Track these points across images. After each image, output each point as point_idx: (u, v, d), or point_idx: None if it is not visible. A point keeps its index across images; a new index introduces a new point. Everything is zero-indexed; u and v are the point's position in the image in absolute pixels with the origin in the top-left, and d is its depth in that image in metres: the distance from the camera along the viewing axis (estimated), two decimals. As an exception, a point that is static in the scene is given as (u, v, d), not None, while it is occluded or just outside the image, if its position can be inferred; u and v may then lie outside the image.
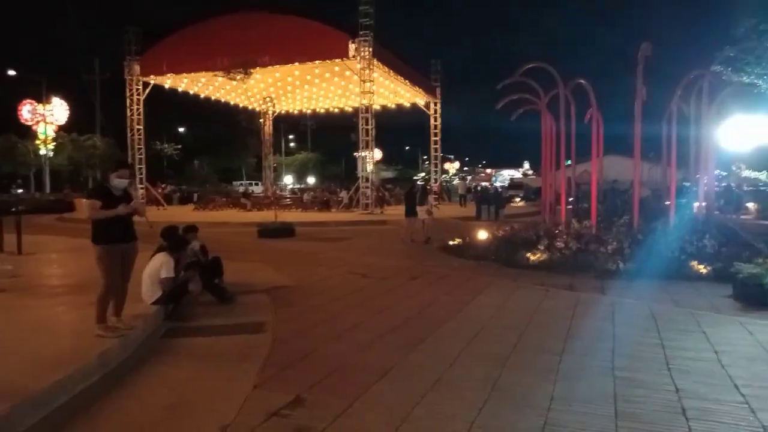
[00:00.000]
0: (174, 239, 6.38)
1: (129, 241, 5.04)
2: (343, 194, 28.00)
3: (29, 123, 41.20)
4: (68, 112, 41.21)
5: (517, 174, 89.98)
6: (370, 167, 25.71)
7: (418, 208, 14.18)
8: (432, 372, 4.36)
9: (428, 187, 18.61)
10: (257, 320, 6.08)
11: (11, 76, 39.92)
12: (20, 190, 44.99)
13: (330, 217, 22.75)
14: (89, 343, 4.67)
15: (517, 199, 41.37)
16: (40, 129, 40.89)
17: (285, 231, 15.68)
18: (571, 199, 15.38)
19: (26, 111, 41.12)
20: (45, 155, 40.96)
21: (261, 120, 16.45)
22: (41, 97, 40.29)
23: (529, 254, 10.27)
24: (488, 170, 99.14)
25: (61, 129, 42.16)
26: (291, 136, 73.75)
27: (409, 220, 14.28)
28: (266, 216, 17.85)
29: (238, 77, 18.55)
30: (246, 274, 8.97)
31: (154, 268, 6.03)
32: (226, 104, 35.04)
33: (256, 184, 51.86)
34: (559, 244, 10.56)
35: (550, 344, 5.15)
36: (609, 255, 9.85)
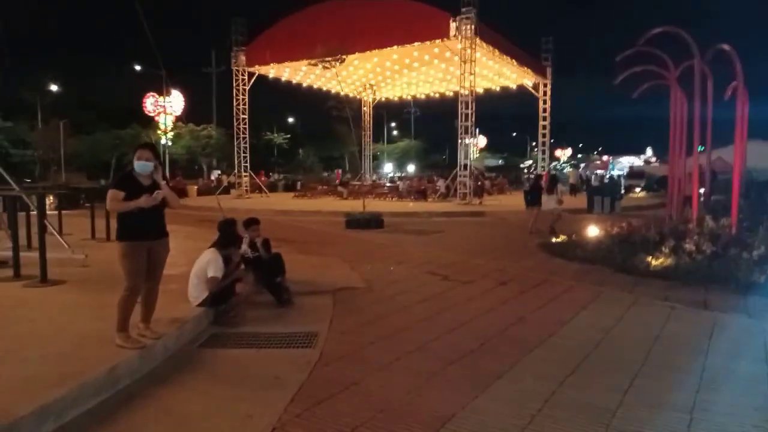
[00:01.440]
0: (224, 234, 5.73)
1: (158, 238, 4.38)
2: (440, 183, 26.82)
3: (152, 114, 44.57)
4: (184, 103, 43.90)
5: (637, 161, 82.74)
6: (472, 155, 24.27)
7: (546, 198, 13.43)
8: (503, 428, 3.23)
9: (557, 176, 17.45)
10: (310, 330, 5.25)
11: (136, 71, 43.11)
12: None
13: (425, 207, 21.73)
14: (108, 353, 4.09)
15: (637, 190, 37.55)
16: (160, 120, 44.10)
17: (373, 222, 14.93)
18: (702, 191, 13.07)
19: (149, 103, 44.46)
20: (165, 144, 44.07)
21: (351, 107, 15.73)
22: (162, 90, 43.30)
23: (650, 258, 8.55)
24: (605, 157, 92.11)
25: (179, 119, 45.11)
26: (393, 124, 73.58)
27: (531, 209, 13.75)
28: (360, 205, 17.26)
29: (334, 65, 18.07)
30: (317, 271, 8.26)
31: (201, 266, 5.41)
32: (328, 93, 35.18)
33: (349, 172, 52.15)
34: (689, 247, 8.70)
35: (678, 394, 3.77)
36: (755, 263, 7.89)
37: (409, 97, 39.75)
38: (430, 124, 71.28)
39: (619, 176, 42.26)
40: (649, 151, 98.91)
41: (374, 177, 48.13)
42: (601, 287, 7.29)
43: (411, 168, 65.07)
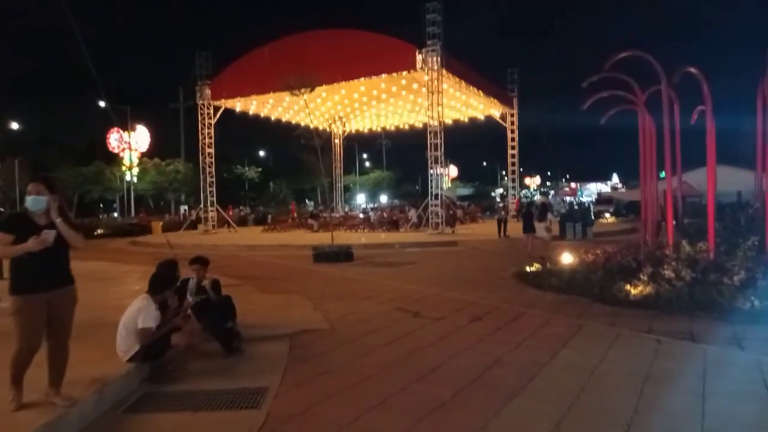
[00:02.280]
0: (158, 276, 5.04)
1: (59, 287, 3.68)
2: (412, 213, 26.44)
3: (116, 150, 43.52)
4: (149, 138, 43.07)
5: (605, 188, 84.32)
6: (444, 184, 24.03)
7: (537, 225, 14.17)
8: None
9: (548, 204, 18.34)
10: (258, 385, 4.59)
11: (100, 107, 42.13)
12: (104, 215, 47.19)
13: (396, 237, 21.22)
14: (9, 423, 3.37)
15: (607, 215, 37.86)
16: (125, 156, 43.03)
17: (342, 255, 14.32)
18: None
19: (113, 139, 43.51)
20: (130, 180, 42.90)
21: (319, 136, 15.32)
22: (127, 126, 42.38)
23: (628, 286, 8.14)
24: (572, 184, 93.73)
25: (143, 155, 44.10)
26: (365, 155, 73.71)
27: (527, 236, 14.54)
28: (330, 238, 16.62)
29: (302, 94, 17.71)
30: (276, 311, 7.59)
31: (131, 315, 4.72)
32: (298, 125, 34.81)
33: (321, 205, 51.68)
34: (668, 273, 8.32)
35: (680, 451, 3.24)
36: (737, 288, 7.55)
37: (379, 129, 39.72)
38: (401, 154, 71.76)
39: (588, 203, 42.70)
40: (615, 178, 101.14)
41: (346, 208, 47.70)
42: (581, 319, 6.80)
43: (384, 198, 64.90)
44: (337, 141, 38.35)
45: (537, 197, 69.24)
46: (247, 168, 65.32)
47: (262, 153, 69.21)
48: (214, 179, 28.74)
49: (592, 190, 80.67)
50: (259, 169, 65.83)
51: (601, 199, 48.16)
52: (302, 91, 16.67)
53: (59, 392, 3.74)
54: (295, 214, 34.90)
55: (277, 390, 4.49)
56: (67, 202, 46.20)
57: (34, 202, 3.56)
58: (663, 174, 12.66)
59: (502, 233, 20.38)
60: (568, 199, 56.22)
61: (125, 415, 4.06)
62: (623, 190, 69.51)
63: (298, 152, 20.99)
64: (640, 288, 8.03)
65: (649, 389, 4.34)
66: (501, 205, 28.42)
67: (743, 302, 6.98)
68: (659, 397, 4.18)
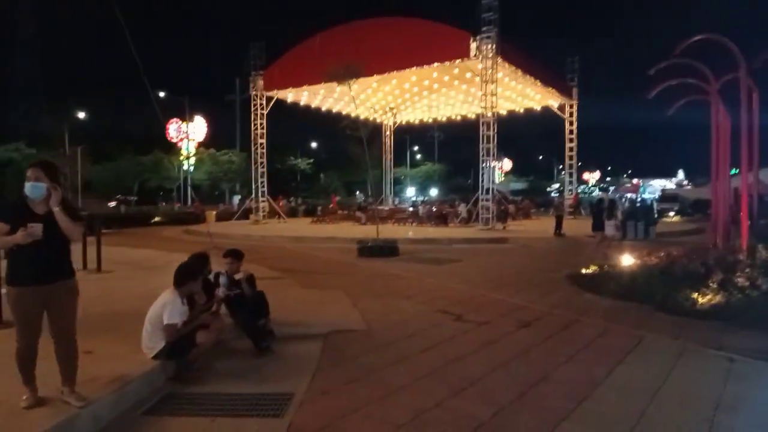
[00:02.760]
0: (182, 269, 4.83)
1: (56, 281, 3.48)
2: (462, 207, 25.79)
3: (174, 140, 44.93)
4: (206, 128, 44.18)
5: (669, 184, 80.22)
6: (497, 178, 23.26)
7: (606, 223, 13.79)
8: None
9: (616, 201, 17.97)
10: (284, 391, 4.32)
11: (160, 98, 43.52)
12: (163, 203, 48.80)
13: (444, 233, 20.71)
14: (18, 424, 3.23)
15: (671, 214, 35.86)
16: (183, 145, 44.36)
17: (386, 249, 13.99)
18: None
19: (173, 129, 44.89)
20: (186, 170, 44.23)
21: (366, 127, 15.00)
22: (185, 116, 43.63)
23: (695, 294, 7.40)
24: (635, 180, 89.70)
25: (201, 145, 45.33)
26: (416, 148, 73.09)
27: (598, 234, 14.16)
28: (378, 231, 16.32)
29: (350, 84, 17.45)
30: (313, 308, 7.35)
31: (156, 310, 4.55)
32: (348, 116, 34.71)
33: (370, 197, 51.62)
34: (741, 281, 7.53)
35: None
36: (825, 301, 6.71)
37: (431, 120, 39.03)
38: (454, 147, 70.32)
39: (651, 200, 40.56)
40: (680, 174, 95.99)
41: (396, 201, 47.40)
42: (641, 330, 6.19)
43: (434, 192, 64.18)
44: (388, 133, 38.04)
45: (595, 193, 66.66)
46: (299, 159, 66.20)
47: (314, 145, 69.79)
48: (265, 170, 29.04)
49: (655, 187, 76.91)
50: (311, 161, 66.49)
51: (665, 197, 45.72)
52: (349, 81, 16.35)
53: (73, 391, 3.59)
54: (336, 206, 34.87)
55: (303, 397, 4.21)
56: (128, 189, 48.30)
57: (33, 188, 3.38)
58: (734, 170, 11.63)
59: (558, 230, 19.53)
60: (629, 195, 53.70)
61: (143, 417, 3.88)
62: (689, 187, 65.85)
63: (346, 144, 20.67)
64: (708, 296, 7.28)
65: (722, 418, 3.77)
66: (560, 200, 27.20)
67: (832, 318, 6.16)
68: (732, 429, 3.62)
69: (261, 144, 28.83)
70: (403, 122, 38.52)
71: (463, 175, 74.27)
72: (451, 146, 71.65)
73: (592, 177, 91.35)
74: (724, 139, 9.68)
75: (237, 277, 5.85)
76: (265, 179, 29.03)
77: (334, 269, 11.77)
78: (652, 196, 55.29)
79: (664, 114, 11.63)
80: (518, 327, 6.42)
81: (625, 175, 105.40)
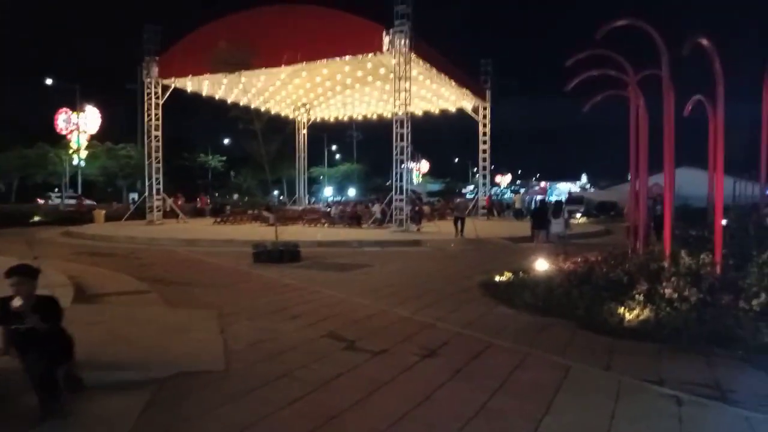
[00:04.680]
0: None
1: None
2: (376, 208, 24.63)
3: (64, 132, 40.46)
4: (100, 120, 40.14)
5: (574, 188, 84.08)
6: (414, 179, 22.29)
7: (554, 221, 14.74)
8: None
9: (562, 201, 18.26)
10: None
11: (47, 85, 39.01)
12: (57, 200, 43.83)
13: (356, 234, 19.39)
14: None
15: (578, 215, 36.84)
16: (73, 138, 40.01)
17: (286, 254, 12.41)
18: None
19: (61, 120, 40.46)
20: (77, 165, 39.94)
21: (260, 119, 13.24)
22: (75, 106, 39.37)
23: (621, 308, 6.52)
24: (543, 183, 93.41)
25: (93, 138, 41.15)
26: (334, 147, 71.70)
27: (538, 231, 15.48)
28: (283, 233, 14.62)
29: (237, 72, 15.61)
30: (164, 337, 5.68)
31: None
32: (237, 106, 32.43)
33: (280, 197, 49.59)
34: (669, 292, 6.76)
35: None
36: (757, 315, 6.02)
37: (347, 118, 37.69)
38: (373, 147, 69.53)
39: (560, 201, 41.74)
40: (584, 178, 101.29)
41: (312, 201, 45.59)
42: (566, 358, 5.12)
43: (352, 192, 62.98)
44: (302, 130, 36.21)
45: (507, 195, 68.41)
46: (210, 156, 62.58)
47: (226, 141, 66.25)
48: (161, 165, 26.32)
49: (562, 190, 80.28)
50: (224, 158, 63.15)
51: (572, 199, 47.24)
52: (237, 70, 14.55)
53: None
54: (204, 206, 33.38)
55: None
56: (7, 185, 42.99)
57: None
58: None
59: (459, 233, 18.78)
60: (538, 197, 55.29)
61: None
62: (592, 190, 69.09)
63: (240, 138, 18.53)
64: (636, 311, 6.42)
65: None
66: (458, 201, 25.58)
67: (772, 336, 5.43)
68: None
69: (156, 137, 26.08)
70: (318, 119, 36.89)
71: (381, 174, 73.69)
72: (370, 146, 70.90)
73: (504, 180, 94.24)
74: (643, 137, 9.06)
75: (16, 305, 4.06)
76: (161, 175, 26.30)
77: (220, 279, 10.04)
78: (559, 198, 57.38)
79: (573, 118, 11.14)
80: (421, 356, 5.15)
81: (534, 178, 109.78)
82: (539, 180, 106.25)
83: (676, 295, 6.65)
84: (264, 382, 4.39)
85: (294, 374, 4.61)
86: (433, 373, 4.66)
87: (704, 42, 6.98)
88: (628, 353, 5.32)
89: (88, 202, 36.42)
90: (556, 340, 5.81)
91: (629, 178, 11.24)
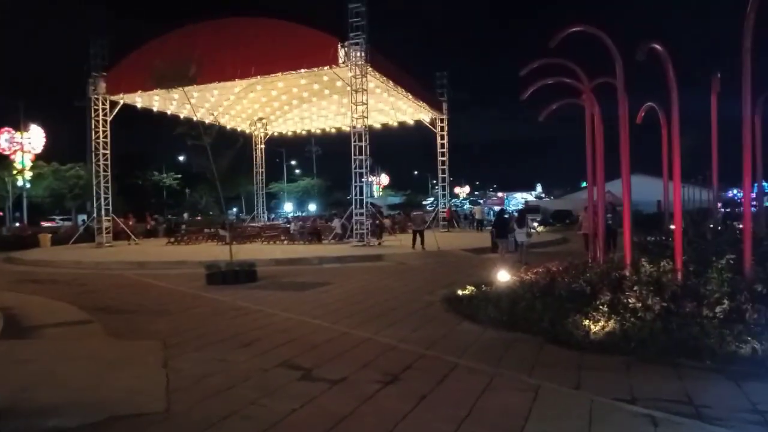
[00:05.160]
0: None
1: None
2: (336, 222, 24.23)
3: (6, 152, 38.46)
4: (44, 139, 38.42)
5: (530, 197, 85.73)
6: (374, 192, 22.01)
7: (518, 231, 14.77)
8: None
9: (525, 211, 19.96)
10: None
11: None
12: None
13: (316, 251, 18.92)
14: None
15: (535, 224, 37.37)
16: (17, 158, 38.09)
17: (242, 275, 11.90)
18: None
19: (3, 140, 38.45)
20: (22, 186, 37.96)
21: (208, 133, 12.63)
22: (20, 125, 37.52)
23: (586, 320, 6.36)
24: (500, 194, 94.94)
25: (38, 157, 39.29)
26: (294, 162, 70.94)
27: (501, 241, 15.87)
28: (239, 252, 14.02)
29: (177, 90, 15.02)
30: (99, 374, 5.15)
31: None
32: (188, 121, 31.62)
33: (239, 214, 48.55)
34: (632, 302, 6.66)
35: None
36: (721, 322, 5.96)
37: (305, 132, 37.23)
38: (333, 161, 69.11)
39: (524, 211, 42.34)
40: (539, 188, 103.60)
41: (272, 217, 44.73)
42: (534, 377, 4.88)
43: (312, 207, 62.30)
44: (260, 145, 35.50)
45: (466, 206, 69.09)
46: (164, 174, 60.79)
47: (181, 158, 64.52)
48: (110, 185, 25.20)
49: (518, 200, 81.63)
50: (179, 176, 61.40)
51: (529, 208, 48.03)
52: (179, 86, 14.00)
53: None
54: (126, 227, 31.20)
55: None
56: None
57: None
58: (584, 183, 11.39)
59: (416, 246, 18.62)
60: (496, 208, 55.99)
61: None
62: (547, 199, 70.57)
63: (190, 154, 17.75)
64: (601, 323, 6.26)
65: None
66: (414, 214, 24.66)
67: (738, 344, 5.33)
68: None
69: (104, 155, 24.99)
70: (276, 134, 36.31)
71: (342, 189, 73.28)
72: (329, 160, 70.50)
73: (463, 191, 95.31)
74: (599, 144, 9.05)
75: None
76: (110, 195, 25.17)
77: (169, 305, 9.44)
78: (516, 208, 58.26)
79: (529, 129, 11.08)
80: (383, 383, 4.81)
81: (491, 189, 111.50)
82: (496, 191, 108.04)
83: (639, 305, 6.56)
84: (209, 425, 3.95)
85: (243, 412, 4.19)
86: (396, 403, 4.33)
87: (658, 47, 6.98)
88: (596, 369, 5.12)
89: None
90: (523, 357, 5.58)
91: (582, 186, 11.27)
